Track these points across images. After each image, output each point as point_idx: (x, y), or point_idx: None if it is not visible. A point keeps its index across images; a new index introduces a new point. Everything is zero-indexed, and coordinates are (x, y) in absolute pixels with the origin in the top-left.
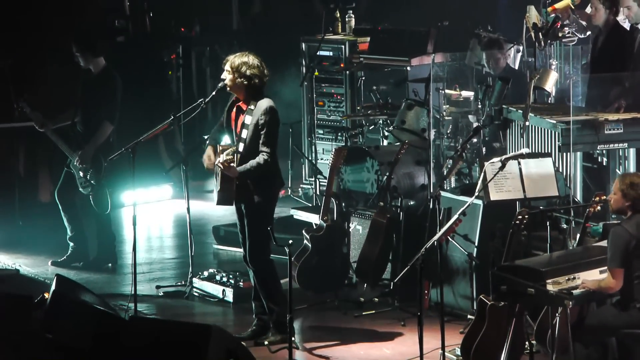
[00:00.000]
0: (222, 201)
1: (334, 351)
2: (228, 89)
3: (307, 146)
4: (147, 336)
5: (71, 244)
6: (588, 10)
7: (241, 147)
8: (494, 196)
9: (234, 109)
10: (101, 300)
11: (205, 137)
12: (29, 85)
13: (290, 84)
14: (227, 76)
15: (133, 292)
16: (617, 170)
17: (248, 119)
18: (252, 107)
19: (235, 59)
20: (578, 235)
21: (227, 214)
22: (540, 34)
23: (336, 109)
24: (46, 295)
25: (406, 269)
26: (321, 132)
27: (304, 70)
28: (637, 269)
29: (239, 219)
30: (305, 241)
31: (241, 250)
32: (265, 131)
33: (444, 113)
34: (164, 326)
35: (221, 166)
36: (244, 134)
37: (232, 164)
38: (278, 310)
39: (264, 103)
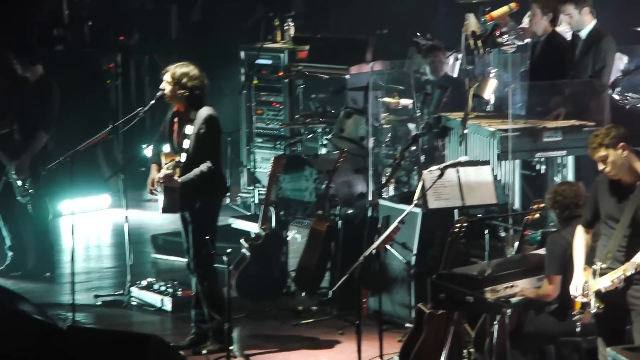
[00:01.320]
0: (166, 209)
1: (272, 359)
2: (167, 99)
3: (245, 155)
4: (85, 346)
5: (10, 253)
6: (526, 18)
7: (183, 157)
8: (432, 204)
9: (175, 120)
10: (39, 310)
11: (144, 146)
12: None
13: (229, 92)
14: (166, 87)
15: (71, 302)
16: (555, 178)
17: (189, 129)
18: (192, 117)
19: (175, 70)
20: (516, 243)
21: (165, 222)
22: (479, 41)
23: (275, 118)
24: None
25: (344, 277)
26: (260, 140)
27: (243, 79)
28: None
29: (183, 227)
30: (243, 250)
31: (180, 258)
32: (207, 140)
33: (383, 121)
34: (103, 335)
35: (162, 180)
36: (186, 144)
37: (173, 177)
38: (220, 318)
39: (204, 112)
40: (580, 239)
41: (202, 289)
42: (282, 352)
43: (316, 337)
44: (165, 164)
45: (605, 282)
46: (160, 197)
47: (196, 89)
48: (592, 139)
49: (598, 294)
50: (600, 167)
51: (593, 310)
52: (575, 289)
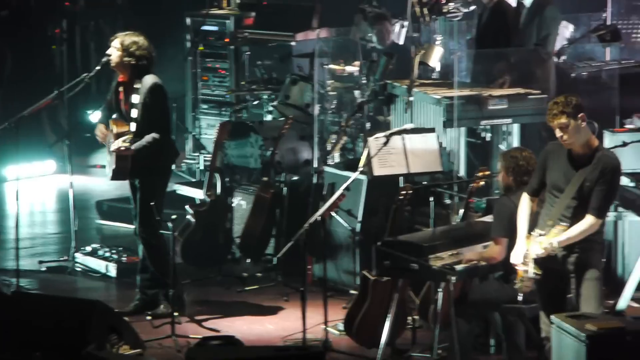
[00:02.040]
0: (116, 176)
1: (217, 325)
2: (112, 66)
3: (190, 121)
4: (29, 311)
5: None
6: None
7: (133, 126)
8: (377, 171)
9: (120, 89)
10: None
11: (89, 112)
12: None
13: (174, 58)
14: (114, 53)
15: (15, 267)
16: (500, 146)
17: (135, 98)
18: (137, 85)
19: (125, 38)
20: (461, 211)
21: (111, 189)
22: (425, 9)
23: (220, 84)
24: None
25: (289, 244)
26: (205, 107)
27: (189, 45)
28: None
29: (132, 194)
30: (188, 216)
31: (125, 225)
32: (155, 108)
33: (328, 88)
34: (47, 301)
35: (118, 152)
36: (134, 113)
37: (126, 147)
38: (169, 283)
39: (149, 80)
40: (524, 206)
41: (150, 255)
42: (226, 319)
43: (261, 304)
44: (116, 133)
45: (537, 250)
46: (110, 165)
47: (143, 58)
48: (552, 105)
49: (536, 260)
50: (558, 134)
51: (530, 275)
52: (515, 257)
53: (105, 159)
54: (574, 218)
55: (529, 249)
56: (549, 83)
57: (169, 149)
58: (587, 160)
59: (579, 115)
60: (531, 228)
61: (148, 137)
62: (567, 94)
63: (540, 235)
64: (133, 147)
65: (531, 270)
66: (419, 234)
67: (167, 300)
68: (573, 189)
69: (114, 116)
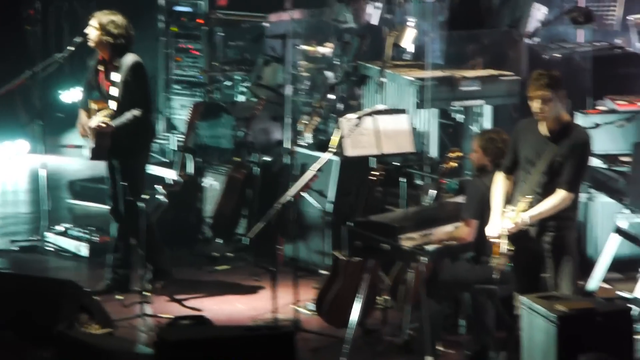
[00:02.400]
0: (96, 156)
1: (188, 305)
2: (92, 44)
3: (163, 101)
4: (1, 290)
5: None
6: None
7: (114, 104)
8: (349, 152)
9: (100, 68)
10: None
11: (62, 92)
12: None
13: (147, 39)
14: (92, 32)
15: None
16: (471, 127)
17: (116, 77)
18: (117, 64)
19: (103, 17)
20: (433, 192)
21: (83, 169)
22: None
23: (193, 65)
24: None
25: (261, 224)
26: (178, 87)
27: (161, 26)
28: None
29: (109, 173)
30: (160, 196)
31: (97, 205)
32: (136, 86)
33: (301, 69)
34: (18, 280)
35: (98, 129)
36: (115, 92)
37: (107, 124)
38: (156, 259)
39: (130, 59)
40: (500, 183)
41: (132, 233)
42: (198, 298)
43: (232, 284)
44: (97, 110)
45: (507, 224)
46: (90, 144)
47: (121, 37)
48: (537, 76)
49: (509, 237)
50: (537, 105)
51: (503, 251)
52: (490, 230)
53: (78, 139)
54: (546, 193)
55: (502, 224)
56: (522, 65)
57: (148, 128)
58: (558, 135)
59: (561, 91)
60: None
61: (128, 114)
62: (552, 70)
63: (512, 210)
64: (114, 123)
65: (504, 245)
66: (390, 214)
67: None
68: (544, 164)
69: (94, 96)
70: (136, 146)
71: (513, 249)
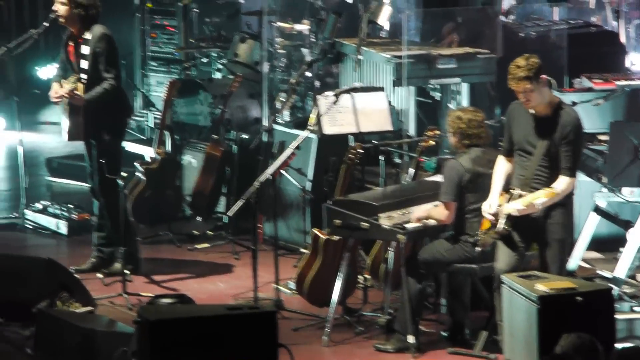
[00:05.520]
0: (72, 136)
1: (168, 284)
2: (61, 20)
3: (140, 78)
4: None
5: None
6: None
7: (83, 76)
8: (327, 130)
9: (70, 43)
10: None
11: (37, 68)
12: None
13: (122, 15)
14: (60, 8)
15: None
16: (449, 105)
17: (85, 49)
18: (87, 36)
19: None
20: (411, 170)
21: (60, 146)
22: None
23: (169, 41)
24: None
25: (240, 202)
26: (154, 64)
27: (137, 2)
28: (470, 203)
29: (87, 152)
30: (138, 174)
31: (75, 182)
32: (104, 57)
33: (278, 46)
34: None
35: (67, 96)
36: (84, 64)
37: (76, 92)
38: (121, 241)
39: (97, 30)
40: (501, 165)
41: (109, 212)
42: (177, 276)
43: (212, 262)
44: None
45: (517, 206)
46: (65, 123)
47: (92, 7)
48: (514, 70)
49: (509, 217)
50: (522, 98)
51: (500, 228)
52: (488, 206)
53: (55, 116)
54: (548, 180)
55: (502, 204)
56: (497, 42)
57: (123, 105)
58: (549, 119)
59: (541, 77)
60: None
61: (99, 88)
62: (527, 55)
63: (520, 195)
64: (86, 96)
65: (501, 225)
66: (369, 193)
67: (121, 258)
68: (543, 148)
69: (68, 74)
70: (112, 123)
71: (510, 229)
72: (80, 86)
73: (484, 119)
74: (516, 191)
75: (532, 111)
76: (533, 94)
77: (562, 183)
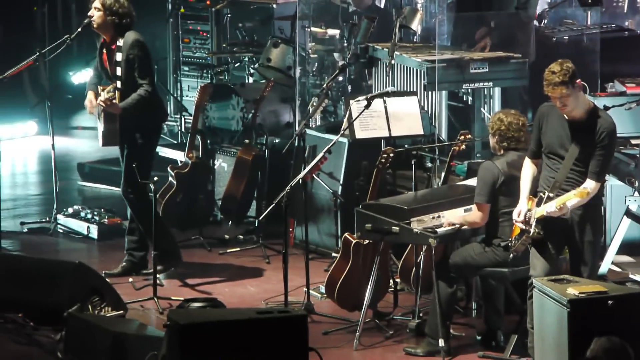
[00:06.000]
0: (107, 142)
1: (199, 288)
2: (95, 26)
3: (172, 83)
4: (11, 273)
5: None
6: None
7: (119, 85)
8: (359, 134)
9: (103, 50)
10: None
11: (70, 73)
12: None
13: (155, 20)
14: (95, 14)
15: None
16: (482, 110)
17: (119, 56)
18: (120, 43)
19: None
20: (443, 174)
21: (92, 150)
22: None
23: (202, 46)
24: None
25: (271, 206)
26: (187, 69)
27: (170, 7)
28: (503, 207)
29: (121, 155)
30: (170, 178)
31: (106, 186)
32: (138, 64)
33: (310, 51)
34: (29, 262)
35: (103, 104)
36: (119, 71)
37: (114, 101)
38: (161, 242)
39: (130, 36)
40: (527, 168)
41: (140, 216)
42: (208, 280)
43: (243, 266)
44: (103, 90)
45: (550, 207)
46: (100, 128)
47: (126, 16)
48: (550, 76)
49: (539, 220)
50: (558, 104)
51: (533, 233)
52: (517, 215)
53: (87, 121)
54: (579, 185)
55: (531, 209)
56: (530, 47)
57: (158, 109)
58: (584, 123)
59: (577, 82)
60: (533, 190)
61: (135, 95)
62: (561, 60)
63: (550, 198)
64: (122, 104)
65: (533, 229)
66: (400, 197)
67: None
68: (575, 151)
69: (104, 82)
70: (146, 127)
71: (542, 233)
72: (118, 95)
73: (526, 123)
74: (545, 194)
75: (565, 116)
76: (569, 99)
77: (588, 186)
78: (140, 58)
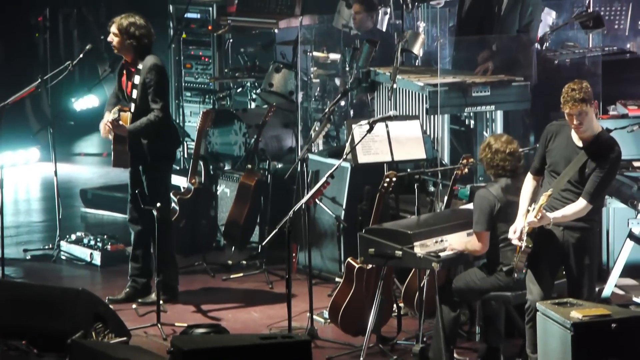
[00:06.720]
0: (117, 163)
1: (202, 314)
2: (116, 51)
3: (174, 109)
4: (15, 300)
5: None
6: None
7: (132, 107)
8: (361, 159)
9: (124, 72)
10: None
11: (72, 99)
12: None
13: (157, 46)
14: (114, 38)
15: (0, 256)
16: (484, 133)
17: (137, 79)
18: (140, 67)
19: (122, 20)
20: (445, 198)
21: (95, 177)
22: None
23: (204, 72)
24: None
25: (274, 231)
26: (189, 94)
27: (172, 33)
28: (503, 232)
29: (131, 180)
30: (172, 204)
31: (109, 213)
32: (153, 88)
33: (312, 75)
34: (33, 290)
35: (110, 125)
36: (134, 94)
37: (120, 123)
38: (166, 271)
39: (149, 60)
40: (528, 185)
41: (146, 244)
42: (211, 306)
43: (246, 292)
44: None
45: (530, 217)
46: (113, 149)
47: (144, 37)
48: (570, 92)
49: (530, 234)
50: (575, 122)
51: (523, 247)
52: (513, 232)
53: (90, 148)
54: (570, 199)
55: (524, 223)
56: (532, 70)
57: (171, 135)
58: (591, 145)
59: (594, 102)
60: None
61: (144, 119)
62: (576, 80)
63: (533, 209)
64: (129, 127)
65: (524, 242)
66: (403, 221)
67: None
68: (573, 170)
69: (120, 101)
70: (158, 153)
71: (531, 245)
72: (125, 116)
73: (516, 149)
74: (532, 206)
75: (574, 136)
76: (587, 118)
77: (578, 205)
78: (156, 83)
